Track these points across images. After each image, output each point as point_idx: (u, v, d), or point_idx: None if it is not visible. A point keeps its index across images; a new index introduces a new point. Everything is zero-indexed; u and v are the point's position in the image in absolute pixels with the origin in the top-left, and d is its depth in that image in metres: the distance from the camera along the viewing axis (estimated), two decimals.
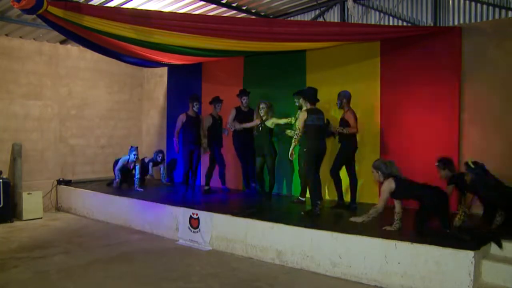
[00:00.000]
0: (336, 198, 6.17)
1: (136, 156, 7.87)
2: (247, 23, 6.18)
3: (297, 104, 6.53)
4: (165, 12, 6.91)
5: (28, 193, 7.72)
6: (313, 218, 5.42)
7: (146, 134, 10.35)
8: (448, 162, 5.03)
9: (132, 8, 6.61)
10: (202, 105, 7.62)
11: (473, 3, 6.71)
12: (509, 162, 5.34)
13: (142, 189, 7.77)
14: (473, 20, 6.69)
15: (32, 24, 7.59)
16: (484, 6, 6.61)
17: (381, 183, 4.85)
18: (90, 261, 5.24)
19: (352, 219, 4.96)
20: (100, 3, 6.98)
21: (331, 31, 5.84)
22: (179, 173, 8.54)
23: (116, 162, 8.27)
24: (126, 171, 8.12)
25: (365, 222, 4.75)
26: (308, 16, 8.43)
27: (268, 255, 5.23)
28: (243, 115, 7.23)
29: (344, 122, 5.90)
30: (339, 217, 5.65)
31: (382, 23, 7.56)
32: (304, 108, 5.82)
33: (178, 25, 5.49)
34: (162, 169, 8.87)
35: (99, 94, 9.46)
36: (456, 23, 6.80)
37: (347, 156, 5.98)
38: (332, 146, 6.34)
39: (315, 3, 7.98)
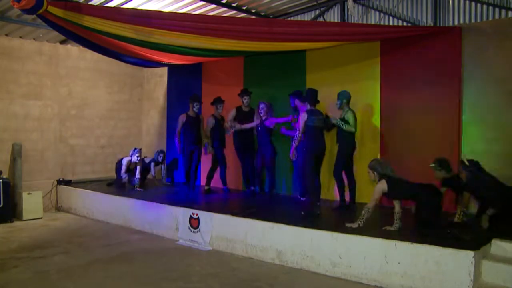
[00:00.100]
0: (335, 199, 6.17)
1: (139, 158, 7.90)
2: (247, 23, 6.18)
3: (292, 106, 6.52)
4: (165, 12, 6.91)
5: (28, 193, 7.72)
6: (313, 218, 5.42)
7: (146, 134, 10.35)
8: (444, 163, 5.02)
9: (132, 8, 6.61)
10: (202, 105, 7.62)
11: (473, 3, 6.70)
12: (509, 162, 5.33)
13: (142, 189, 7.78)
14: (473, 20, 6.69)
15: (32, 24, 7.59)
16: (484, 6, 6.61)
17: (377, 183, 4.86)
18: (90, 261, 5.24)
19: (348, 225, 4.83)
20: (100, 3, 6.98)
21: (331, 31, 5.84)
22: (180, 173, 8.55)
23: (118, 163, 8.25)
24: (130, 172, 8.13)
25: (361, 226, 4.73)
26: (308, 16, 8.43)
27: (268, 255, 5.23)
28: (244, 115, 7.23)
29: (344, 122, 5.90)
30: (339, 217, 5.65)
31: (382, 23, 7.56)
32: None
33: (178, 25, 5.49)
34: (163, 169, 8.88)
35: (99, 94, 9.46)
36: (456, 23, 6.80)
37: (347, 156, 5.98)
38: (332, 146, 6.33)
39: (315, 3, 7.98)
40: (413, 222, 4.86)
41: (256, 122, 6.94)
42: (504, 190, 4.77)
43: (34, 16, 5.14)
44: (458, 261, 3.94)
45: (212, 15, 7.47)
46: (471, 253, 3.89)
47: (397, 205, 4.78)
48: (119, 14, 5.45)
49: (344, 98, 5.94)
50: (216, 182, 7.74)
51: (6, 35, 8.03)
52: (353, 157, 6.10)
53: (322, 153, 5.85)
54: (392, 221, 4.75)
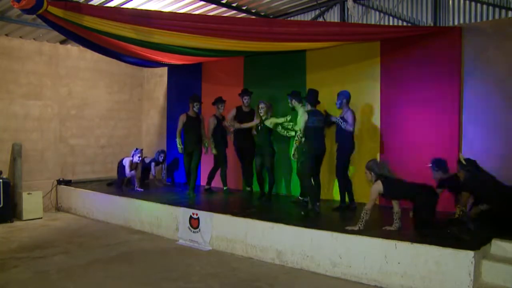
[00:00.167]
0: (336, 199, 6.17)
1: (140, 158, 7.91)
2: (247, 23, 6.17)
3: (290, 105, 6.51)
4: (165, 12, 6.91)
5: (28, 193, 7.72)
6: (313, 218, 5.41)
7: (146, 134, 10.35)
8: (441, 164, 5.02)
9: (132, 8, 6.61)
10: (202, 105, 7.61)
11: (473, 3, 6.70)
12: (509, 162, 5.34)
13: (142, 189, 7.78)
14: (473, 20, 6.69)
15: (32, 24, 7.59)
16: (484, 6, 6.61)
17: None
18: (90, 261, 5.24)
19: (348, 228, 4.79)
20: (100, 3, 6.98)
21: (331, 31, 5.84)
22: (181, 173, 8.54)
23: (120, 163, 8.24)
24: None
25: (361, 228, 4.72)
26: (308, 16, 8.43)
27: (268, 255, 5.23)
28: (244, 115, 7.23)
29: (343, 122, 5.90)
30: (339, 217, 5.65)
31: (382, 23, 7.56)
32: (301, 107, 5.86)
33: (178, 25, 5.49)
34: (163, 169, 8.87)
35: (99, 94, 9.46)
36: (456, 23, 6.80)
37: (346, 156, 5.98)
38: (332, 146, 6.33)
39: (315, 3, 7.98)
40: (412, 222, 4.86)
41: (255, 121, 6.94)
42: (503, 189, 4.77)
43: (34, 16, 5.14)
44: (458, 261, 3.94)
45: (212, 15, 7.47)
46: (471, 253, 3.90)
47: (396, 205, 4.78)
48: (119, 14, 5.45)
49: (344, 98, 5.94)
50: (216, 182, 7.74)
51: (6, 35, 8.03)
52: (350, 158, 6.10)
53: (322, 154, 5.88)
54: (392, 221, 4.76)
